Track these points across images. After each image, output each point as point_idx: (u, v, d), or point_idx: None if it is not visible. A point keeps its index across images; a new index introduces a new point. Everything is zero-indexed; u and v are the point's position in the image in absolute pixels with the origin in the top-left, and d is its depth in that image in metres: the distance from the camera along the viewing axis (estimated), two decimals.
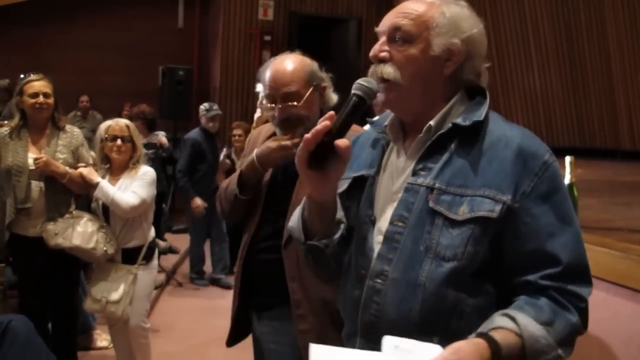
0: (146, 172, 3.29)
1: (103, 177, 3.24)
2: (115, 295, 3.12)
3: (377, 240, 1.29)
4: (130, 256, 3.23)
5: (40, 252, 3.21)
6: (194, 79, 8.93)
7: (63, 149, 3.29)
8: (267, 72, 1.97)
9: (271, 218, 2.01)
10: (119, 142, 3.21)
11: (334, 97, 2.02)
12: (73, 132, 3.39)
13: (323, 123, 1.21)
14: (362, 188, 1.37)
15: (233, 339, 2.20)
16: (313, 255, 1.39)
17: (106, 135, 3.24)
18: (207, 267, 5.98)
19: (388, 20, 1.30)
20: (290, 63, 1.96)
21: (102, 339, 4.13)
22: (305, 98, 1.92)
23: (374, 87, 1.28)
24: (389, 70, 1.27)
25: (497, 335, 1.12)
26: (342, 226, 1.36)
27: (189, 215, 5.87)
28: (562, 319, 1.17)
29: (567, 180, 2.73)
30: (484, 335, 1.13)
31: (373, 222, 1.31)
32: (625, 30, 10.29)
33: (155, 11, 9.58)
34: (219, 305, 5.15)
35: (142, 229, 3.26)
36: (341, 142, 1.21)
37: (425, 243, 1.21)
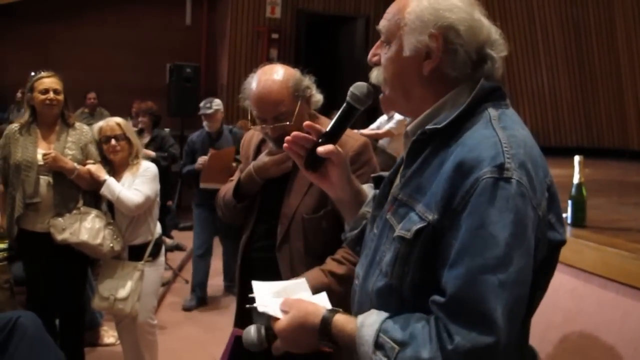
0: (147, 168, 3.30)
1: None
2: (122, 293, 3.13)
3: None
4: (136, 253, 3.24)
5: (47, 247, 3.22)
6: (201, 77, 8.94)
7: (72, 145, 3.31)
8: (253, 93, 1.96)
9: (265, 219, 2.08)
10: (112, 142, 3.25)
11: (319, 98, 2.04)
12: (82, 129, 3.41)
13: (293, 134, 1.29)
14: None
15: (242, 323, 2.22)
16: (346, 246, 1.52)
17: (100, 138, 3.27)
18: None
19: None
20: (273, 82, 1.93)
21: (109, 335, 4.15)
22: (295, 113, 1.94)
23: (362, 94, 1.29)
24: (374, 74, 1.26)
25: (338, 317, 1.17)
26: (365, 222, 1.38)
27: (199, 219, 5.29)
28: (413, 347, 1.04)
29: (575, 179, 2.72)
30: (329, 310, 1.19)
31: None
32: (634, 30, 10.22)
33: (163, 9, 9.60)
34: (225, 302, 5.16)
35: (148, 226, 3.27)
36: (322, 149, 1.27)
37: (380, 254, 1.18)
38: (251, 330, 1.29)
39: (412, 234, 1.08)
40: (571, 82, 10.70)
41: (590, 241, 2.47)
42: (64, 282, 3.36)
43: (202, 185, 4.86)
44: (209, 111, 5.10)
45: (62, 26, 9.11)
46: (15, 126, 3.34)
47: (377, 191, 1.35)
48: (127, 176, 3.25)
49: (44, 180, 3.24)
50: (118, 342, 3.45)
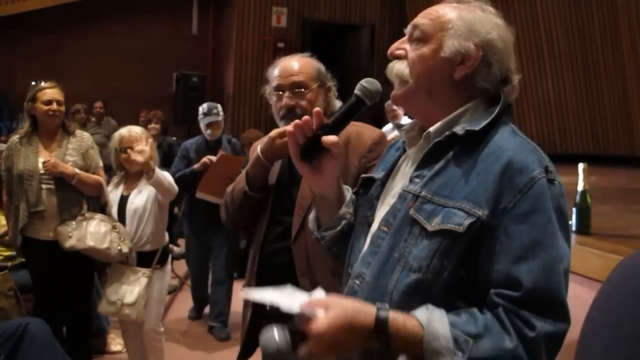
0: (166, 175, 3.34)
1: (119, 184, 3.28)
2: (130, 298, 3.15)
3: (367, 242, 1.30)
4: (145, 259, 3.26)
5: (54, 254, 3.25)
6: (207, 86, 9.00)
7: (73, 152, 3.35)
8: (276, 68, 2.03)
9: (280, 219, 2.01)
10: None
11: (337, 103, 2.05)
12: (83, 136, 3.46)
13: (304, 117, 1.25)
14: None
15: (246, 353, 2.11)
16: (322, 246, 1.45)
17: (120, 146, 3.27)
18: None
19: (413, 20, 1.30)
20: (299, 58, 2.05)
21: (115, 343, 4.16)
22: (311, 89, 1.96)
23: (374, 89, 1.29)
24: (399, 67, 1.27)
25: (393, 315, 1.09)
26: (344, 222, 1.38)
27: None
28: (491, 339, 1.07)
29: (580, 187, 2.73)
30: (380, 309, 1.10)
31: (369, 224, 1.32)
32: (639, 36, 10.22)
33: (169, 18, 9.68)
34: (231, 311, 5.18)
35: (158, 233, 3.30)
36: (328, 139, 1.24)
37: (400, 251, 1.19)
38: (274, 335, 1.12)
39: (464, 227, 1.12)
40: (576, 89, 10.70)
41: (594, 248, 2.48)
42: (70, 289, 3.39)
43: (199, 194, 4.28)
44: (219, 118, 4.65)
45: (70, 36, 9.20)
46: (16, 137, 3.38)
47: (357, 192, 1.41)
48: (142, 187, 3.26)
49: (47, 188, 3.27)
50: (124, 350, 3.46)
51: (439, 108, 1.25)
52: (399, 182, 1.30)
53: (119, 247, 3.21)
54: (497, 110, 1.21)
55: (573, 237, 2.72)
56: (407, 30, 1.29)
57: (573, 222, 2.77)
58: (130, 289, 3.17)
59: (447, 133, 1.21)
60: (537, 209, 1.11)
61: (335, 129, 1.27)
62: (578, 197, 2.73)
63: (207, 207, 4.23)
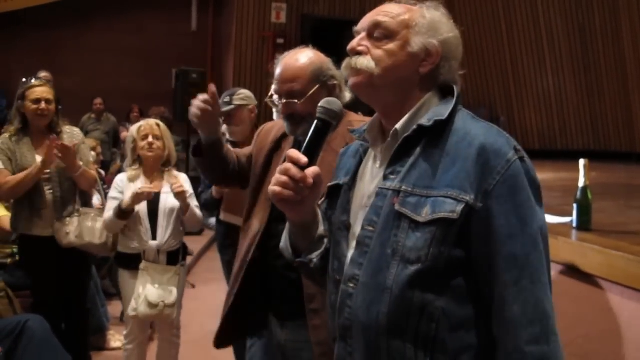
0: (186, 179, 3.35)
1: (136, 178, 3.26)
2: (171, 299, 3.14)
3: (351, 246, 1.31)
4: (171, 257, 3.25)
5: (51, 251, 3.25)
6: (207, 82, 8.98)
7: None
8: (278, 66, 2.01)
9: (284, 215, 1.97)
10: (150, 138, 3.24)
11: (347, 96, 2.00)
12: (73, 132, 3.42)
13: (283, 179, 1.23)
14: (339, 196, 1.40)
15: (222, 341, 2.16)
16: (303, 270, 1.47)
17: (138, 136, 3.27)
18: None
19: (368, 19, 1.35)
20: (299, 59, 1.98)
21: (115, 339, 4.16)
22: (307, 96, 1.93)
23: (336, 108, 1.32)
24: (362, 61, 1.30)
25: None
26: (326, 241, 1.40)
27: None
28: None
29: (581, 183, 2.72)
30: None
31: (347, 228, 1.34)
32: None
33: (169, 14, 9.67)
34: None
35: (180, 232, 3.30)
36: (309, 172, 1.24)
37: (392, 246, 1.21)
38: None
39: (458, 214, 1.17)
40: (577, 85, 10.69)
41: (595, 244, 2.47)
42: (68, 285, 3.38)
43: (223, 217, 3.43)
44: (228, 107, 3.30)
45: (70, 33, 9.19)
46: (6, 135, 3.34)
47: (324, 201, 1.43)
48: (165, 184, 3.26)
49: (44, 185, 3.26)
50: (125, 346, 3.45)
51: (401, 101, 1.31)
52: (370, 183, 1.32)
53: (113, 242, 3.24)
54: (455, 100, 1.29)
55: (573, 233, 2.72)
56: (364, 27, 1.34)
57: (574, 218, 2.76)
58: (169, 290, 3.15)
59: (414, 127, 1.26)
60: (516, 189, 1.19)
61: (311, 157, 1.26)
62: (579, 193, 2.72)
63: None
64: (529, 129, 10.51)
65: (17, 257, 3.61)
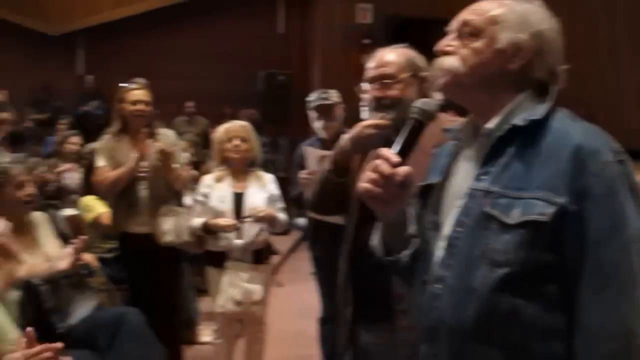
0: (271, 179, 3.42)
1: (222, 179, 3.34)
2: (257, 296, 3.23)
3: (440, 246, 1.29)
4: (257, 257, 3.33)
5: (147, 248, 3.38)
6: (294, 84, 9.10)
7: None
8: (371, 61, 2.06)
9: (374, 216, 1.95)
10: (237, 141, 3.31)
11: (437, 96, 1.98)
12: (167, 135, 3.56)
13: (381, 163, 1.23)
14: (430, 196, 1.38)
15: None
16: (393, 270, 1.46)
17: (225, 137, 3.35)
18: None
19: (458, 18, 1.33)
20: (391, 49, 2.06)
21: (205, 334, 4.28)
22: (399, 78, 1.96)
23: (429, 108, 1.30)
24: (449, 60, 1.28)
25: None
26: (416, 240, 1.38)
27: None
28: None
29: None
30: None
31: (437, 228, 1.32)
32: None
33: (255, 18, 9.88)
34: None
35: (264, 230, 3.37)
36: (401, 171, 1.23)
37: (481, 248, 1.19)
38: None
39: (549, 216, 1.13)
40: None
41: None
42: (161, 281, 3.51)
43: (310, 213, 3.35)
44: (327, 102, 3.50)
45: (162, 41, 9.58)
46: (107, 136, 3.51)
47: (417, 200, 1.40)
48: (254, 186, 3.34)
49: (142, 184, 3.40)
50: (215, 340, 3.56)
51: (492, 99, 1.27)
52: (462, 183, 1.30)
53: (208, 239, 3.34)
54: (551, 98, 1.24)
55: None
56: (453, 27, 1.32)
57: None
58: (254, 287, 3.24)
59: (507, 127, 1.23)
60: (612, 192, 1.14)
61: (403, 157, 1.25)
62: None
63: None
64: (632, 127, 9.96)
65: (117, 252, 3.79)
